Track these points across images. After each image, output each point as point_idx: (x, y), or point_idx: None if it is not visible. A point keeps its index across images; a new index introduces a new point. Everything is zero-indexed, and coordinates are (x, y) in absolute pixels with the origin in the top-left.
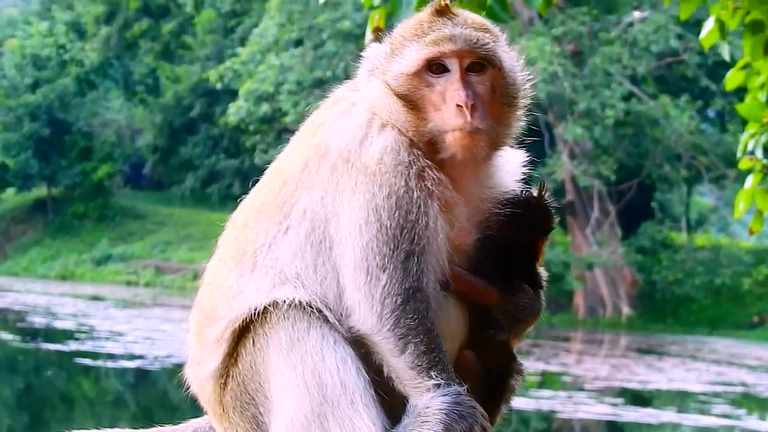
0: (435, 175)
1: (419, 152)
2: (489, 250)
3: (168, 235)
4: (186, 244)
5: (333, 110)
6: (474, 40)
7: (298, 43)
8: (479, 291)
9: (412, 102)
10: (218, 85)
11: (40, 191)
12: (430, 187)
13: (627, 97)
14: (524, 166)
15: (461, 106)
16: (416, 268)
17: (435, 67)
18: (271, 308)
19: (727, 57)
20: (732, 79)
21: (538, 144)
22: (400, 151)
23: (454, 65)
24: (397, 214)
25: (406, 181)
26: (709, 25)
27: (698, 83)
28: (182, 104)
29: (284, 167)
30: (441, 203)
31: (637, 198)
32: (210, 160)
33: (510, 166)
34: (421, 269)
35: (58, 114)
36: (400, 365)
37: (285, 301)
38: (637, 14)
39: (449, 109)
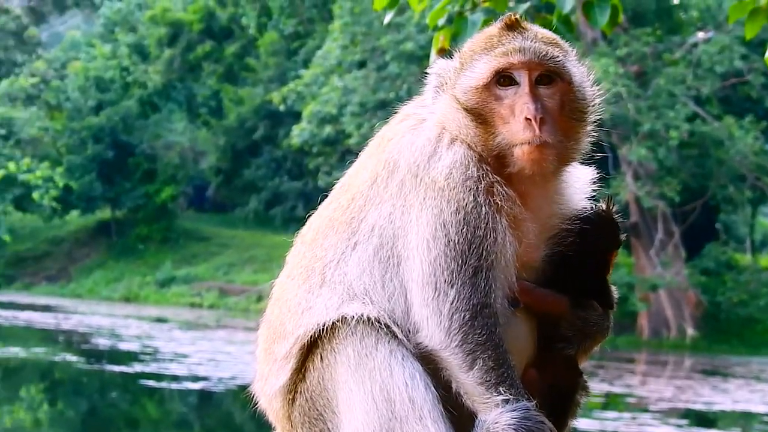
0: (504, 190)
1: (488, 167)
2: (558, 266)
3: (231, 257)
4: (249, 266)
5: (402, 125)
6: (543, 53)
7: (362, 64)
8: (549, 302)
9: (480, 116)
10: (281, 107)
11: (104, 213)
12: (499, 202)
13: (691, 118)
14: (593, 182)
15: (530, 120)
16: (484, 283)
17: (504, 79)
18: (339, 324)
19: None
20: None
21: (602, 165)
22: (469, 166)
23: (523, 78)
24: (465, 229)
25: (474, 196)
26: None
27: (763, 104)
28: (245, 126)
29: (352, 183)
30: (509, 219)
31: (702, 219)
32: (273, 182)
33: (579, 183)
34: (490, 285)
35: (121, 136)
36: (468, 381)
37: (353, 317)
38: (701, 35)
39: (518, 122)
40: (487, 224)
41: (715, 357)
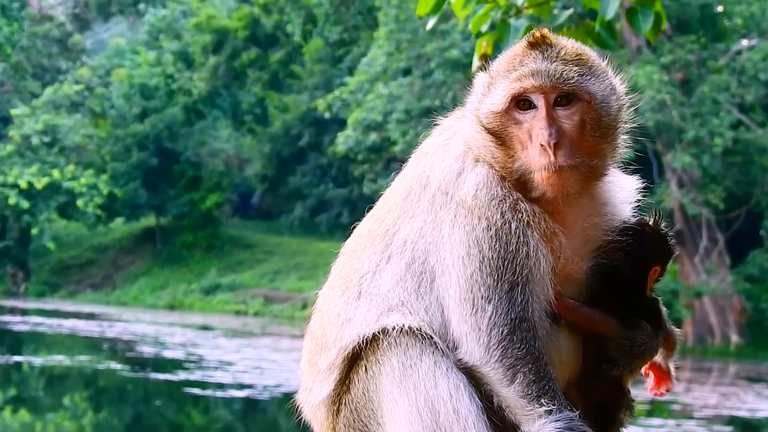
0: (529, 207)
1: (511, 186)
2: (603, 280)
3: (277, 265)
4: (295, 273)
5: (436, 140)
6: (558, 75)
7: (407, 72)
8: (594, 322)
9: (501, 139)
10: (327, 115)
11: (149, 221)
12: (527, 218)
13: (735, 126)
14: (639, 192)
15: (544, 146)
16: (521, 297)
17: (522, 103)
18: (381, 335)
19: None
20: None
21: (646, 172)
22: (492, 186)
23: (540, 101)
24: (497, 245)
25: (502, 213)
26: None
27: None
28: (290, 133)
29: (390, 195)
30: (540, 233)
31: (746, 226)
32: (318, 190)
33: (623, 193)
34: (526, 299)
35: (166, 143)
36: (510, 395)
37: (395, 328)
38: (745, 42)
39: (534, 148)
40: (518, 239)
41: (760, 364)
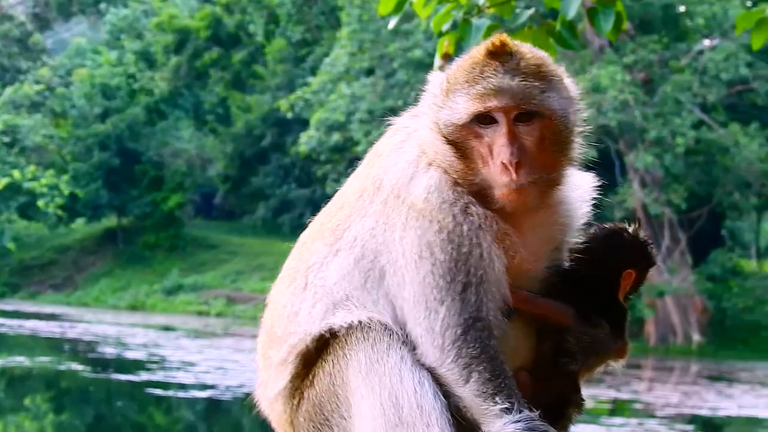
0: (481, 210)
1: (463, 190)
2: (565, 278)
3: (239, 265)
4: (257, 273)
5: (390, 142)
6: (521, 95)
7: (370, 72)
8: (551, 311)
9: (460, 150)
10: (289, 115)
11: (110, 221)
12: (478, 221)
13: (697, 125)
14: (595, 189)
15: (506, 165)
16: (474, 298)
17: (483, 118)
18: (343, 332)
19: None
20: None
21: (609, 172)
22: (444, 190)
23: (501, 118)
24: (449, 247)
25: (453, 216)
26: None
27: None
28: (253, 134)
29: (344, 192)
30: (492, 235)
31: (708, 226)
32: (281, 190)
33: (579, 191)
34: (480, 299)
35: (127, 144)
36: (466, 394)
37: (342, 327)
38: (707, 42)
39: (495, 165)
40: (470, 242)
41: (721, 363)
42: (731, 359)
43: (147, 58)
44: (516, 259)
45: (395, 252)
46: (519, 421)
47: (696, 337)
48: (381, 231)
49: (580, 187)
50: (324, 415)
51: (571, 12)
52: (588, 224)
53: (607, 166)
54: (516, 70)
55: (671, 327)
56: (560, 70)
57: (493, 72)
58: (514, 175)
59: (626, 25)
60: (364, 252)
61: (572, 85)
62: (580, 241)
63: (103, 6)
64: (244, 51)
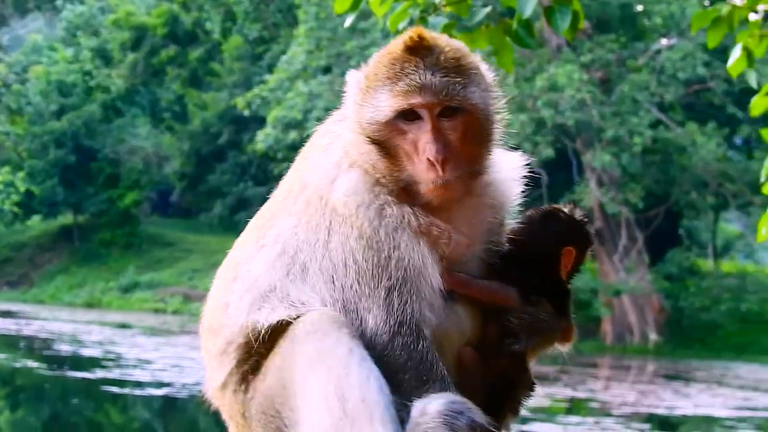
0: (396, 209)
1: (381, 189)
2: (504, 259)
3: (196, 263)
4: (214, 271)
5: (316, 144)
6: (444, 91)
7: (327, 69)
8: (491, 292)
9: (384, 148)
10: (246, 112)
11: (66, 219)
12: (394, 223)
13: (654, 125)
14: (525, 167)
15: (432, 162)
16: (398, 301)
17: (407, 114)
18: (294, 321)
19: (754, 84)
20: (757, 104)
21: (566, 171)
22: (360, 192)
23: (425, 114)
24: (370, 254)
25: (369, 221)
26: (736, 53)
27: (725, 110)
28: (210, 131)
29: (275, 193)
30: (414, 231)
31: (665, 225)
32: (238, 188)
33: (507, 171)
34: (404, 300)
35: (84, 141)
36: (395, 398)
37: (282, 317)
38: (664, 42)
39: (421, 162)
40: (389, 245)
41: (678, 362)
42: (688, 358)
43: (103, 56)
44: (449, 246)
45: (319, 254)
46: (441, 398)
47: (653, 336)
48: (303, 230)
49: (508, 167)
50: (275, 407)
51: (528, 10)
52: (525, 206)
53: (564, 165)
54: (437, 65)
55: (628, 326)
56: (477, 60)
57: (414, 68)
58: (440, 172)
59: (583, 24)
60: (285, 248)
61: (489, 73)
62: (518, 222)
63: (59, 2)
64: (201, 48)
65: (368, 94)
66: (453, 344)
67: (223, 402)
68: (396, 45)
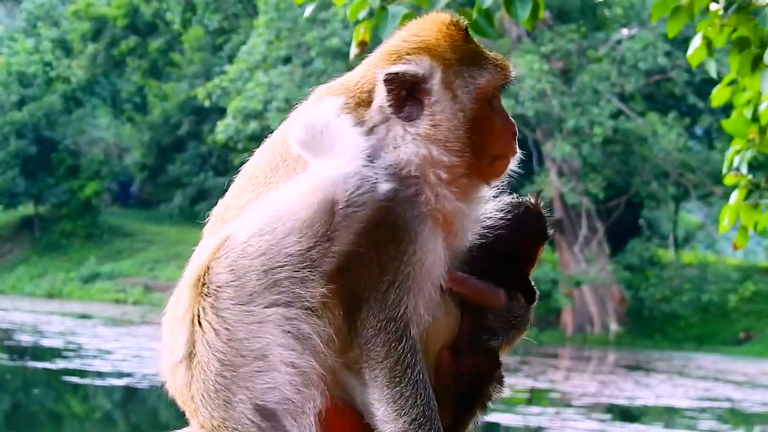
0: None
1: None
2: (480, 255)
3: (156, 254)
4: (175, 262)
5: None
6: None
7: (287, 60)
8: (482, 293)
9: (475, 127)
10: (206, 103)
11: (27, 209)
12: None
13: (615, 115)
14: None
15: (514, 134)
16: (394, 296)
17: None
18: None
19: (714, 74)
20: (718, 95)
21: (526, 162)
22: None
23: (497, 93)
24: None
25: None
26: (696, 42)
27: (686, 101)
28: (170, 122)
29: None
30: (436, 220)
31: (625, 215)
32: (198, 178)
33: None
34: (401, 297)
35: (44, 132)
36: (370, 398)
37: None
38: (625, 32)
39: (507, 135)
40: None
41: (638, 352)
42: (648, 349)
43: (64, 46)
44: (457, 240)
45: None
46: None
47: (613, 327)
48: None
49: None
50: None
51: (488, 0)
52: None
53: (524, 156)
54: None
55: (588, 316)
56: None
57: (486, 48)
58: (516, 145)
59: (544, 14)
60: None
61: None
62: (497, 216)
63: None
64: (161, 39)
65: (461, 75)
66: (438, 344)
67: (175, 379)
68: (450, 26)
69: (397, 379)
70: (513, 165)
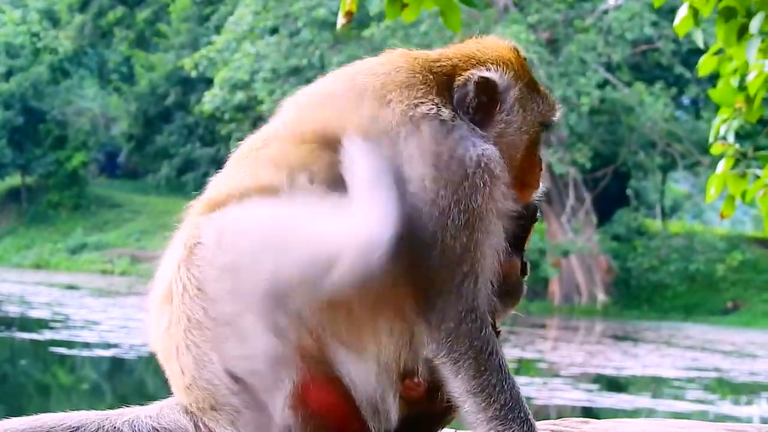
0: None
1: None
2: None
3: (143, 224)
4: (162, 232)
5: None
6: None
7: (274, 31)
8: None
9: (519, 154)
10: (193, 74)
11: (14, 180)
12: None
13: (602, 85)
14: None
15: (542, 170)
16: (471, 287)
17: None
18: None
19: (701, 44)
20: (705, 64)
21: None
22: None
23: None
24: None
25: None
26: (682, 12)
27: (672, 71)
28: (157, 92)
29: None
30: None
31: (613, 185)
32: (185, 149)
33: None
34: (475, 288)
35: (31, 102)
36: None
37: None
38: (611, 2)
39: (536, 170)
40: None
41: (626, 322)
42: (636, 319)
43: (51, 17)
44: None
45: None
46: None
47: (601, 297)
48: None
49: None
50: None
51: None
52: None
53: None
54: None
55: (576, 286)
56: None
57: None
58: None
59: None
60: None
61: None
62: None
63: None
64: (148, 10)
65: (532, 97)
66: None
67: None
68: (516, 50)
69: (483, 368)
70: (533, 196)
